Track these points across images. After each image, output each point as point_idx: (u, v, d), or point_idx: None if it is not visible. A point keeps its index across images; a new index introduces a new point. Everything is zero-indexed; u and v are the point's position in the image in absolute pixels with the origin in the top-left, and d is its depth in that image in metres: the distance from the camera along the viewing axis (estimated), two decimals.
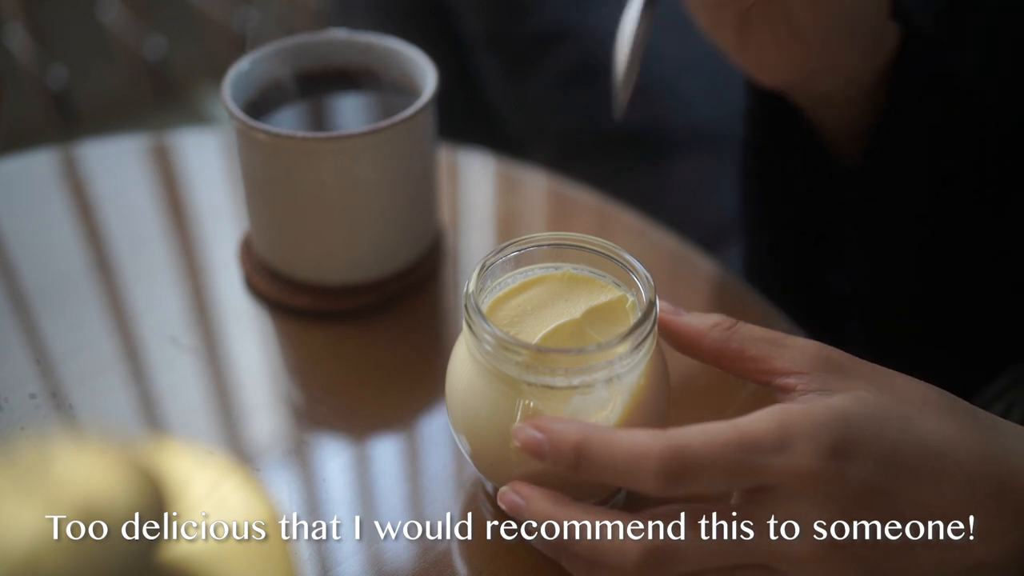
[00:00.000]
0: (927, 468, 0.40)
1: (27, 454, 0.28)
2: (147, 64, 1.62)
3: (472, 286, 0.46)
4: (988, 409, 0.55)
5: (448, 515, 0.51)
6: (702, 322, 0.46)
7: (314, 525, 0.51)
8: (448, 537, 0.50)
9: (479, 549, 0.50)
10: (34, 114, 1.53)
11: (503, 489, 0.44)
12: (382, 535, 0.50)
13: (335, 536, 0.50)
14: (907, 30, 0.57)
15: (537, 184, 0.72)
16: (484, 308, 0.47)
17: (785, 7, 0.53)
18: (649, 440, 0.39)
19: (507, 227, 0.70)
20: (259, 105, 0.62)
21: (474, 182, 0.73)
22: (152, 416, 0.57)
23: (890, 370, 0.43)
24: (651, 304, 0.45)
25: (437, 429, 0.56)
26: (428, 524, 0.51)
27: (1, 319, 0.62)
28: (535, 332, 0.47)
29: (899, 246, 0.63)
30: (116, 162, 0.75)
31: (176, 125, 1.34)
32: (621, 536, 0.40)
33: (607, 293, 0.48)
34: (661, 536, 0.40)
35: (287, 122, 0.62)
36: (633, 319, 0.47)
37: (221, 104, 0.59)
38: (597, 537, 0.41)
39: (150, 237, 0.68)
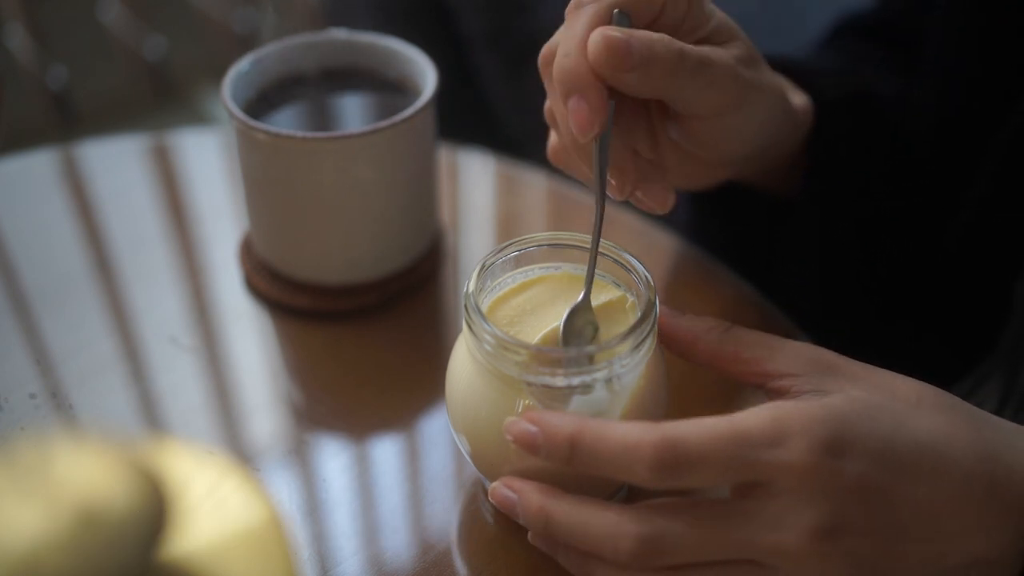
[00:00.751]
0: (922, 465, 0.40)
1: (27, 454, 0.28)
2: (147, 64, 1.62)
3: (472, 286, 0.46)
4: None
5: (448, 515, 0.51)
6: (697, 325, 0.46)
7: (314, 525, 0.51)
8: (448, 537, 0.50)
9: (479, 549, 0.50)
10: (34, 114, 1.53)
11: (494, 485, 0.44)
12: (382, 535, 0.50)
13: (335, 536, 0.50)
14: (813, 90, 0.60)
15: (537, 184, 0.72)
16: (484, 308, 0.47)
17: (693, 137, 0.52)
18: (643, 432, 0.40)
19: (507, 227, 0.70)
20: (259, 105, 0.62)
21: (474, 182, 0.73)
22: (152, 416, 0.57)
23: (884, 370, 0.43)
24: (651, 304, 0.45)
25: (437, 429, 0.56)
26: (428, 524, 0.51)
27: (1, 319, 0.62)
28: (535, 332, 0.47)
29: (848, 269, 0.65)
30: (116, 162, 0.75)
31: (176, 125, 1.34)
32: (614, 527, 0.40)
33: (607, 293, 0.48)
34: (655, 527, 0.40)
35: (287, 122, 0.62)
36: (633, 319, 0.47)
37: (221, 104, 0.59)
38: (590, 528, 0.41)
39: (150, 237, 0.68)
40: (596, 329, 0.46)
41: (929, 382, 0.44)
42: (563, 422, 0.41)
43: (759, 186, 0.64)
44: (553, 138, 0.56)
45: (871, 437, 0.40)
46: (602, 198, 0.47)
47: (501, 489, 0.44)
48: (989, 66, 0.62)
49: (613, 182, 0.49)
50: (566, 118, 0.46)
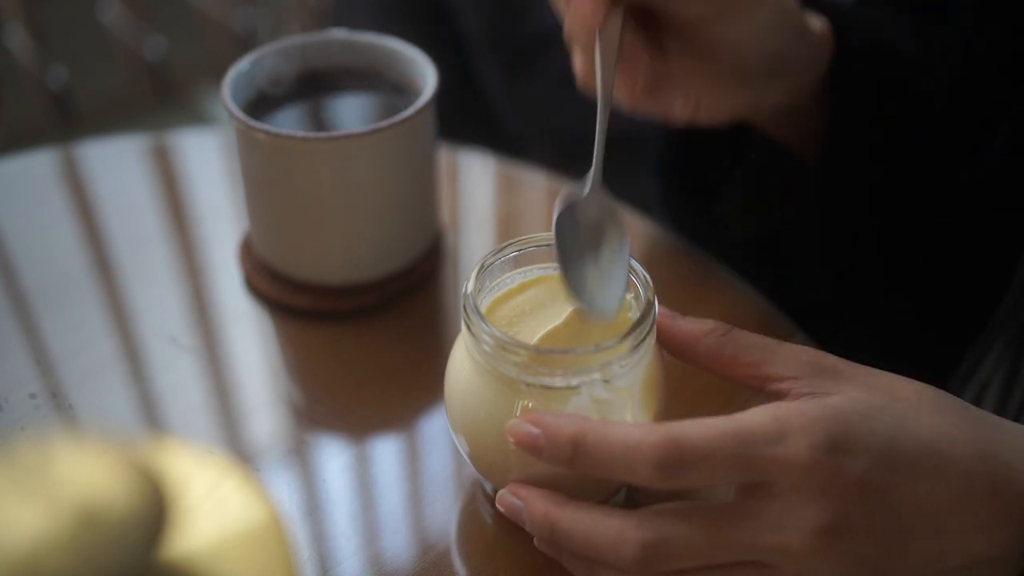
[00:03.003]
0: (923, 464, 0.40)
1: (27, 454, 0.28)
2: (147, 64, 1.62)
3: (471, 286, 0.46)
4: (964, 388, 0.55)
5: (448, 515, 0.51)
6: (697, 327, 0.46)
7: (314, 525, 0.51)
8: (448, 537, 0.50)
9: (479, 549, 0.50)
10: (34, 114, 1.53)
11: (501, 492, 0.44)
12: (382, 535, 0.50)
13: (335, 536, 0.50)
14: (838, 28, 0.59)
15: (537, 184, 0.72)
16: (483, 308, 0.47)
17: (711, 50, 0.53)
18: (645, 432, 0.40)
19: (507, 227, 0.70)
20: (259, 105, 0.62)
21: (474, 182, 0.73)
22: (152, 416, 0.57)
23: (884, 372, 0.43)
24: (650, 304, 0.45)
25: (437, 429, 0.56)
26: (428, 524, 0.51)
27: (1, 319, 0.62)
28: (534, 332, 0.47)
29: (860, 239, 0.64)
30: (116, 162, 0.75)
31: (176, 125, 1.34)
32: (618, 533, 0.40)
33: None
34: (658, 532, 0.40)
35: (287, 122, 0.62)
36: (632, 319, 0.47)
37: (221, 104, 0.59)
38: (595, 535, 0.41)
39: (150, 237, 0.68)
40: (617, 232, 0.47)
41: (918, 369, 0.44)
42: (565, 424, 0.41)
43: (779, 137, 0.62)
44: (577, 61, 0.55)
45: (872, 436, 0.40)
46: (608, 100, 0.47)
47: (508, 497, 0.44)
48: (1008, 40, 0.62)
49: (623, 85, 0.50)
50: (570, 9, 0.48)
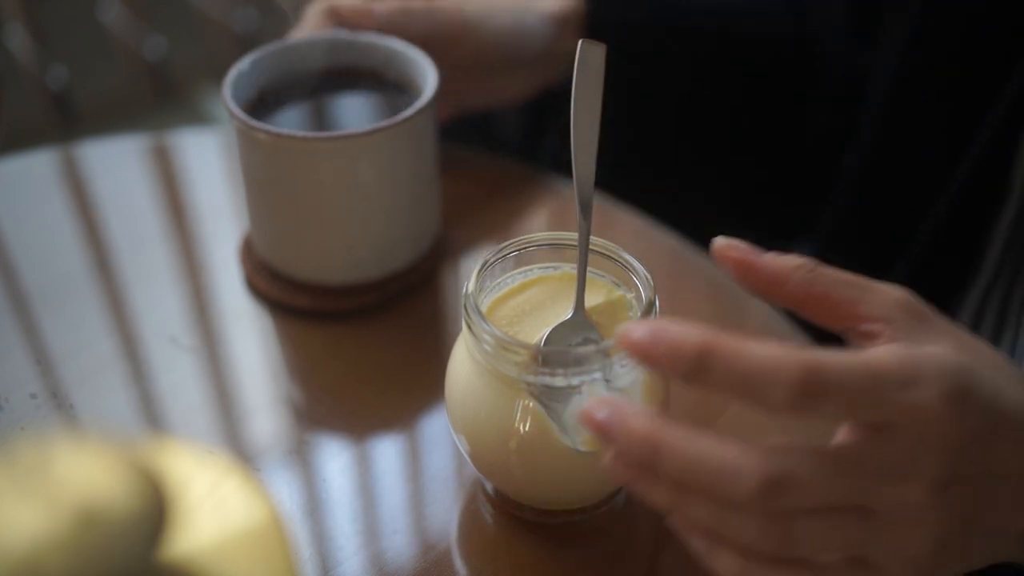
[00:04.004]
0: (1018, 422, 0.40)
1: (27, 454, 0.28)
2: (147, 64, 1.62)
3: (471, 286, 0.46)
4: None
5: (448, 515, 0.51)
6: (784, 263, 0.42)
7: (314, 525, 0.51)
8: (448, 537, 0.50)
9: (479, 549, 0.50)
10: (34, 114, 1.53)
11: (587, 406, 0.38)
12: (382, 535, 0.50)
13: (335, 536, 0.50)
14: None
15: (537, 184, 0.72)
16: (483, 308, 0.47)
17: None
18: (784, 352, 0.37)
19: (507, 227, 0.70)
20: (259, 105, 0.62)
21: (474, 182, 0.73)
22: (152, 416, 0.57)
23: (963, 331, 0.43)
24: (651, 304, 0.45)
25: (437, 429, 0.56)
26: (428, 524, 0.51)
27: (1, 319, 0.62)
28: (534, 332, 0.47)
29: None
30: (116, 162, 0.75)
31: (176, 125, 1.34)
32: (737, 462, 0.36)
33: (607, 293, 0.48)
34: (782, 466, 0.37)
35: (287, 122, 0.62)
36: (633, 319, 0.47)
37: (222, 104, 0.59)
38: (709, 461, 0.37)
39: (150, 237, 0.68)
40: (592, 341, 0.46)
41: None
42: (691, 331, 0.37)
43: None
44: None
45: (985, 391, 0.39)
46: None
47: (597, 410, 0.38)
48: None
49: None
50: None
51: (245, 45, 1.55)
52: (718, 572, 0.39)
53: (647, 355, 0.37)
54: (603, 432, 0.38)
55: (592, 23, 0.72)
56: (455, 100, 0.70)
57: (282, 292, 0.62)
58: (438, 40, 0.65)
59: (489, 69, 0.69)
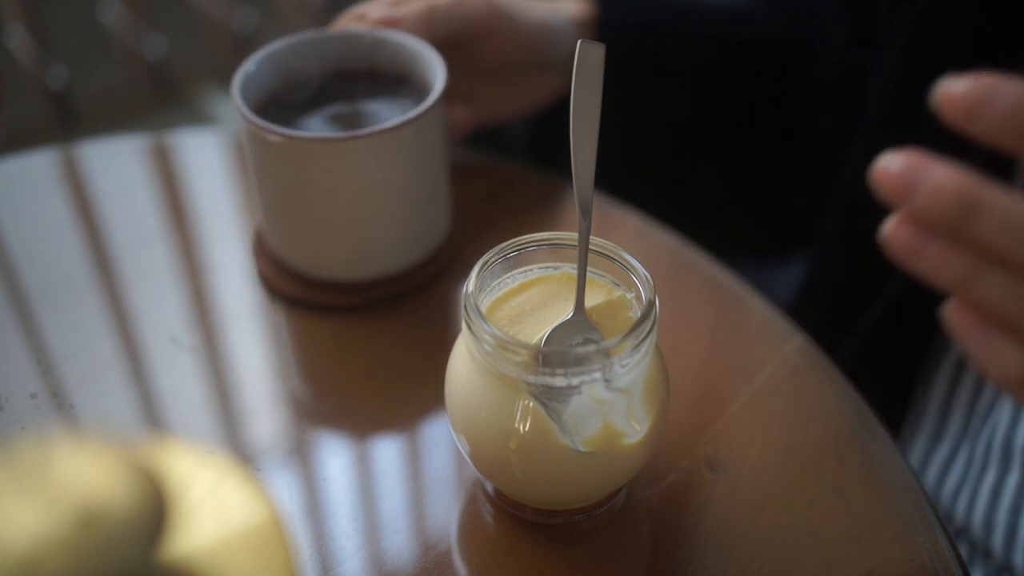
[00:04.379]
0: None
1: (27, 454, 0.28)
2: (147, 64, 1.63)
3: (471, 286, 0.46)
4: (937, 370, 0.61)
5: (449, 515, 0.51)
6: (983, 81, 0.34)
7: (314, 525, 0.51)
8: (449, 537, 0.50)
9: (480, 549, 0.50)
10: (34, 114, 1.53)
11: (883, 160, 0.33)
12: (383, 535, 0.50)
13: (336, 536, 0.50)
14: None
15: (537, 184, 0.72)
16: (483, 308, 0.47)
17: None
18: None
19: (507, 227, 0.70)
20: (268, 105, 0.62)
21: (475, 182, 0.73)
22: (152, 416, 0.57)
23: None
24: (651, 304, 0.45)
25: (438, 429, 0.56)
26: (429, 524, 0.51)
27: (1, 319, 0.62)
28: (534, 332, 0.47)
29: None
30: (116, 162, 0.75)
31: (176, 125, 1.34)
32: None
33: (607, 293, 0.48)
34: None
35: (297, 122, 0.62)
36: (633, 319, 0.47)
37: (232, 105, 0.59)
38: None
39: (150, 237, 0.68)
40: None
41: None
42: (954, 173, 0.32)
43: None
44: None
45: None
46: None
47: (890, 162, 0.33)
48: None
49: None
50: None
51: (245, 45, 1.56)
52: (995, 373, 0.33)
53: (903, 190, 0.32)
54: (902, 186, 0.32)
55: (603, 28, 0.72)
56: (478, 108, 0.69)
57: (290, 287, 0.62)
58: (468, 35, 0.65)
59: (518, 69, 0.68)
